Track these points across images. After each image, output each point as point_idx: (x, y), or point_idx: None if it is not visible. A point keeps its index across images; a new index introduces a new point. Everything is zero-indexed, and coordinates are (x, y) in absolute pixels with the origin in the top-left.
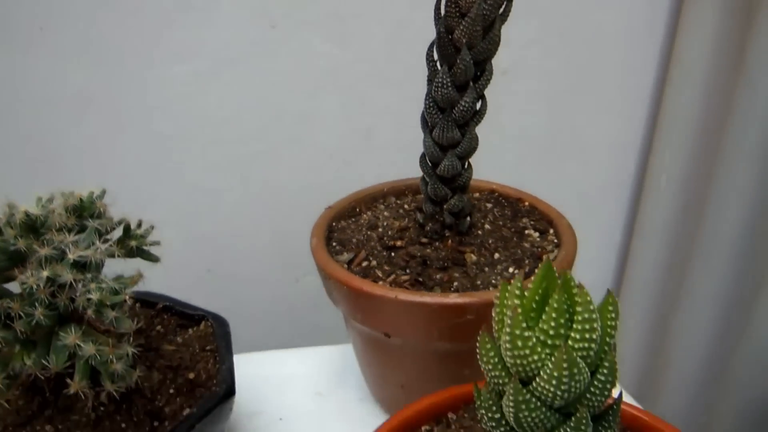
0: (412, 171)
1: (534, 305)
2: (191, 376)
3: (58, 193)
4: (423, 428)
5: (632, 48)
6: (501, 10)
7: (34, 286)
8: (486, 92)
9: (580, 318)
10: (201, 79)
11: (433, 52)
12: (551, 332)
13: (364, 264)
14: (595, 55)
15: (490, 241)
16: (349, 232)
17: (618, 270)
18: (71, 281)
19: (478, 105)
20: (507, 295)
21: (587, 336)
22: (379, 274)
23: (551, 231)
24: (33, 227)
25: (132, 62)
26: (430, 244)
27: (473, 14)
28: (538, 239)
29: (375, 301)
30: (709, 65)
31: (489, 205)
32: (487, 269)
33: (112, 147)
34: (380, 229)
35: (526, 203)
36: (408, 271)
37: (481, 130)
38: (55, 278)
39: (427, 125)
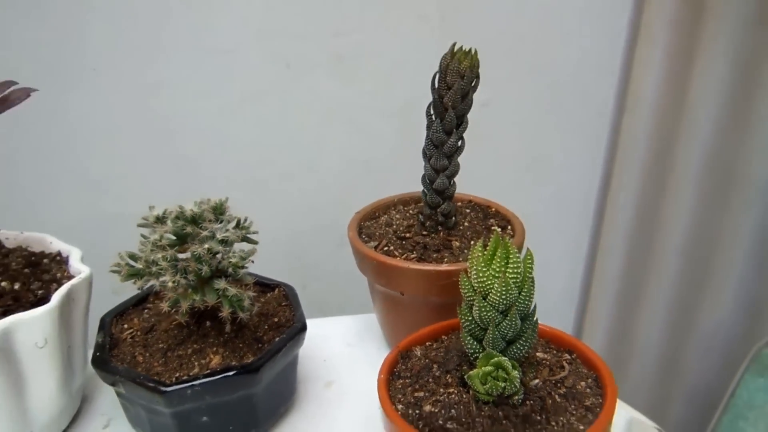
0: (404, 188)
1: (489, 257)
2: (276, 320)
3: (202, 199)
4: (426, 344)
5: (593, 83)
6: (472, 84)
7: (201, 253)
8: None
9: (512, 261)
10: (226, 112)
11: (430, 109)
12: (497, 270)
13: (385, 249)
14: (561, 90)
15: (468, 233)
16: (373, 229)
17: (585, 279)
18: (220, 251)
19: (459, 143)
20: (473, 253)
21: (516, 271)
22: (396, 254)
23: (509, 227)
24: (194, 219)
25: (168, 98)
26: (429, 235)
27: (455, 88)
28: (500, 232)
29: (395, 270)
30: (659, 97)
31: (467, 210)
32: (466, 251)
33: (150, 171)
34: (394, 226)
35: (493, 209)
36: (414, 252)
37: (466, 155)
38: (211, 249)
39: (426, 156)
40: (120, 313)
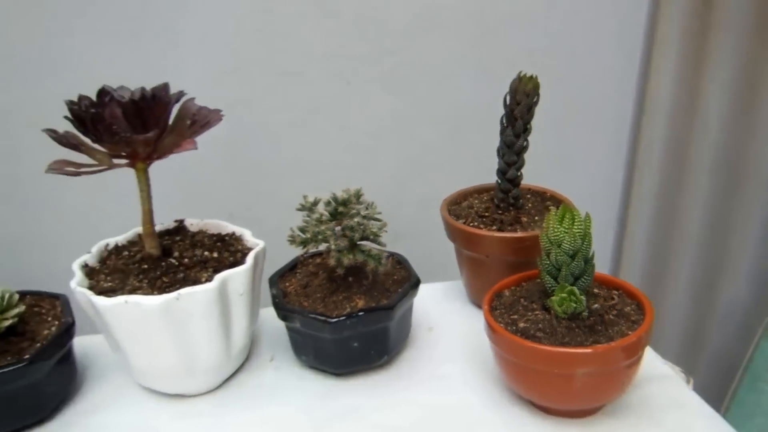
0: (448, 183)
1: (561, 218)
2: (396, 277)
3: (345, 189)
4: (511, 287)
5: (613, 89)
6: (534, 100)
7: (354, 225)
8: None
9: (576, 221)
10: (296, 124)
11: (503, 119)
12: (566, 227)
13: (472, 224)
14: (585, 95)
15: (532, 212)
16: (459, 211)
17: (613, 264)
18: (364, 224)
19: (525, 144)
20: (549, 216)
21: (580, 227)
22: (481, 227)
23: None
24: (344, 202)
25: (247, 114)
26: (503, 214)
27: (523, 104)
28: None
29: (482, 238)
30: (673, 100)
31: (528, 196)
32: (532, 224)
33: (230, 176)
34: (475, 208)
35: (548, 194)
36: (494, 226)
37: None
38: (359, 222)
39: (500, 154)
40: (281, 275)
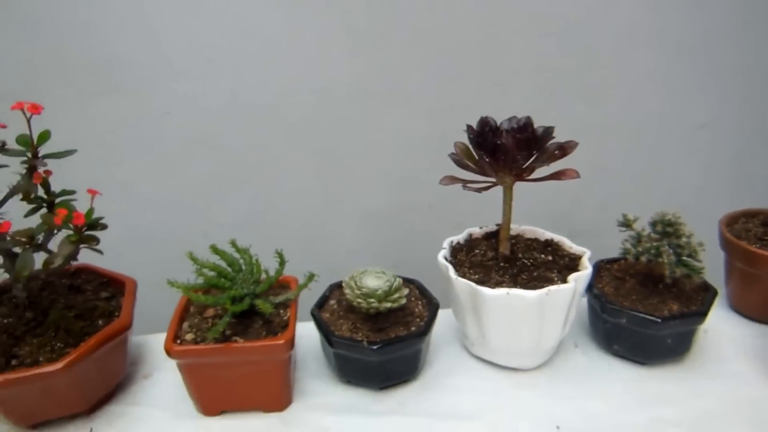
0: (631, 192)
1: None
2: (691, 286)
3: (665, 211)
4: None
5: None
6: None
7: (682, 243)
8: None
9: None
10: None
11: None
12: None
13: (755, 245)
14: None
15: None
16: (735, 232)
17: None
18: (690, 242)
19: None
20: None
21: None
22: (764, 249)
23: None
24: (670, 223)
25: (460, 119)
26: None
27: None
28: None
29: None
30: None
31: None
32: None
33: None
34: (752, 231)
35: None
36: None
37: (680, 169)
38: (687, 241)
39: None
40: (596, 272)
